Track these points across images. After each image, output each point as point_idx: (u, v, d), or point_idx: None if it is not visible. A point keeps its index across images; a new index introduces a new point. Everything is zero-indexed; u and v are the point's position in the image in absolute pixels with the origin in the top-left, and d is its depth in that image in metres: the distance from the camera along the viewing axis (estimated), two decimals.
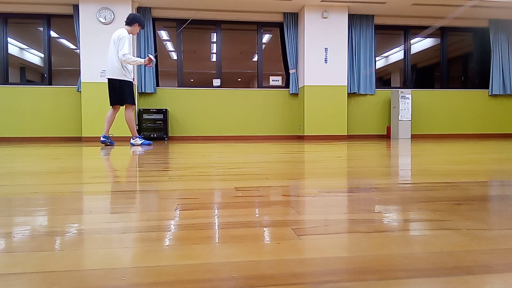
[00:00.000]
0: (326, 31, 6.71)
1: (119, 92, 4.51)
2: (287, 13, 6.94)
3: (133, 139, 4.73)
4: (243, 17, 6.95)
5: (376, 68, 7.33)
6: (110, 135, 4.72)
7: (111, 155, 2.90)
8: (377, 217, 0.85)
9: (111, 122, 4.62)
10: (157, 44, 7.01)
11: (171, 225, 0.78)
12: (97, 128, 6.23)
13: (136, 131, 4.74)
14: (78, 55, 6.39)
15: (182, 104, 6.92)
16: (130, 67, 4.57)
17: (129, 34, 4.47)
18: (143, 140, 4.72)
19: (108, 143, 4.61)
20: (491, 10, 6.90)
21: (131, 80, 4.58)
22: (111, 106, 4.61)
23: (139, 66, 6.61)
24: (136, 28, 4.52)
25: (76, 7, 6.33)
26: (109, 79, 4.51)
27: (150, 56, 4.57)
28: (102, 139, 4.60)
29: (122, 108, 4.74)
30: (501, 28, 7.37)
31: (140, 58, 4.64)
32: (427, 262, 0.56)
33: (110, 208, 0.96)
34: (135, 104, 4.67)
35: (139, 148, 3.91)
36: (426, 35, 7.79)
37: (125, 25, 4.51)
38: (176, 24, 6.96)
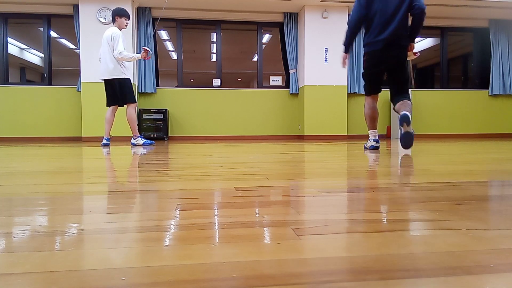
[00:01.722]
0: (326, 31, 6.71)
1: (120, 91, 4.45)
2: (287, 13, 6.94)
3: (134, 138, 4.67)
4: (243, 17, 6.95)
5: None
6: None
7: (111, 155, 2.90)
8: (377, 217, 0.85)
9: (112, 123, 4.57)
10: (157, 44, 7.01)
11: (171, 225, 0.78)
12: (97, 128, 6.23)
13: (137, 130, 4.70)
14: (78, 55, 6.39)
15: (182, 104, 6.92)
16: (127, 64, 4.52)
17: (120, 30, 4.41)
18: (145, 140, 4.68)
19: (108, 144, 4.56)
20: (491, 10, 6.90)
21: (129, 77, 4.53)
22: (108, 107, 4.54)
23: (139, 67, 6.61)
24: (121, 21, 4.44)
25: (76, 7, 6.33)
26: (107, 80, 4.44)
27: (145, 48, 4.52)
28: (105, 142, 4.51)
29: (121, 107, 4.69)
30: (501, 28, 7.37)
31: (136, 53, 4.57)
32: (427, 262, 0.56)
33: (110, 208, 0.96)
34: (136, 102, 4.63)
35: (141, 148, 3.91)
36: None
37: (112, 24, 4.48)
38: (176, 24, 6.96)
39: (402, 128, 2.89)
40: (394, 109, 3.18)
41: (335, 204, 0.99)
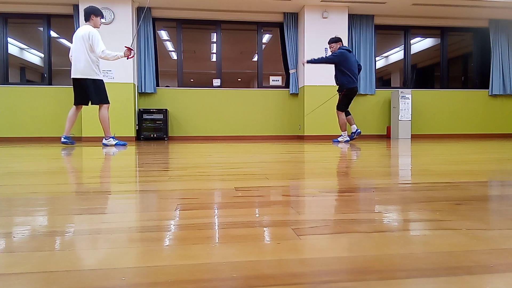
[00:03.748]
0: (326, 31, 6.71)
1: (94, 92, 4.34)
2: (287, 13, 6.94)
3: (105, 139, 4.55)
4: (243, 17, 6.95)
5: (376, 68, 7.33)
6: (71, 135, 4.57)
7: (110, 155, 2.90)
8: (377, 217, 0.85)
9: (74, 122, 4.48)
10: (157, 44, 7.01)
11: (171, 225, 0.78)
12: (97, 128, 6.23)
13: (109, 131, 4.58)
14: None
15: (182, 104, 6.92)
16: (101, 65, 4.41)
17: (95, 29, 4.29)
18: (117, 141, 4.58)
19: (69, 143, 4.46)
20: (491, 10, 6.90)
21: (102, 78, 4.42)
22: (74, 106, 4.45)
23: (139, 67, 6.61)
24: (96, 20, 4.32)
25: (76, 7, 6.33)
26: (78, 79, 4.30)
27: (128, 46, 4.38)
28: (63, 140, 4.39)
29: (85, 105, 4.56)
30: (501, 28, 7.37)
31: (119, 52, 4.33)
32: (427, 262, 0.56)
33: (110, 208, 0.96)
34: (109, 103, 4.53)
35: (113, 149, 3.85)
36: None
37: (86, 22, 4.34)
38: (176, 24, 6.96)
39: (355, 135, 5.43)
40: (346, 118, 5.44)
41: (335, 204, 0.99)
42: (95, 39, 4.18)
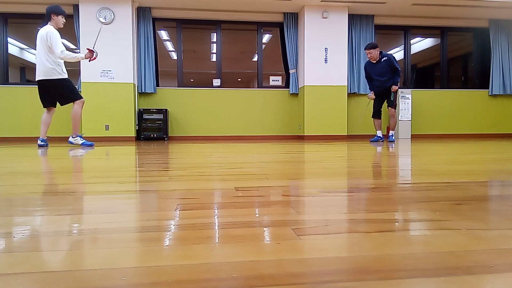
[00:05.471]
0: (326, 31, 6.71)
1: (60, 92, 4.25)
2: (287, 13, 6.93)
3: (72, 137, 4.45)
4: (243, 17, 6.95)
5: None
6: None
7: (110, 155, 2.90)
8: (377, 217, 0.85)
9: (48, 125, 4.40)
10: (157, 44, 7.01)
11: (171, 225, 0.78)
12: (97, 128, 6.23)
13: (78, 129, 4.46)
14: None
15: (182, 104, 6.92)
16: (63, 64, 4.30)
17: (56, 29, 4.19)
18: (84, 141, 4.47)
19: (45, 145, 4.34)
20: (491, 10, 6.90)
21: (67, 77, 4.30)
22: (45, 108, 4.37)
23: (139, 67, 6.61)
24: (57, 19, 4.21)
25: (76, 7, 6.33)
26: (41, 81, 4.21)
27: (89, 48, 4.26)
28: (40, 143, 4.31)
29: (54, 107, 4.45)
30: (501, 28, 7.36)
31: (79, 54, 4.20)
32: (427, 262, 0.56)
33: (110, 208, 0.96)
34: (82, 98, 4.41)
35: (79, 149, 3.80)
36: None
37: (48, 22, 4.23)
38: (176, 24, 6.96)
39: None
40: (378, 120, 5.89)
41: (335, 204, 0.99)
42: (53, 39, 4.07)
